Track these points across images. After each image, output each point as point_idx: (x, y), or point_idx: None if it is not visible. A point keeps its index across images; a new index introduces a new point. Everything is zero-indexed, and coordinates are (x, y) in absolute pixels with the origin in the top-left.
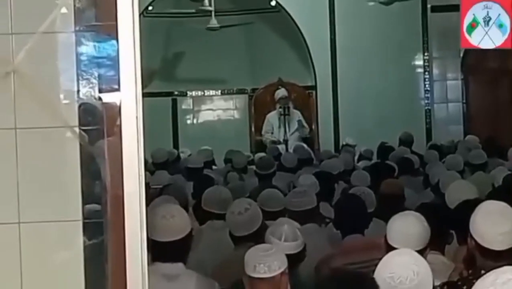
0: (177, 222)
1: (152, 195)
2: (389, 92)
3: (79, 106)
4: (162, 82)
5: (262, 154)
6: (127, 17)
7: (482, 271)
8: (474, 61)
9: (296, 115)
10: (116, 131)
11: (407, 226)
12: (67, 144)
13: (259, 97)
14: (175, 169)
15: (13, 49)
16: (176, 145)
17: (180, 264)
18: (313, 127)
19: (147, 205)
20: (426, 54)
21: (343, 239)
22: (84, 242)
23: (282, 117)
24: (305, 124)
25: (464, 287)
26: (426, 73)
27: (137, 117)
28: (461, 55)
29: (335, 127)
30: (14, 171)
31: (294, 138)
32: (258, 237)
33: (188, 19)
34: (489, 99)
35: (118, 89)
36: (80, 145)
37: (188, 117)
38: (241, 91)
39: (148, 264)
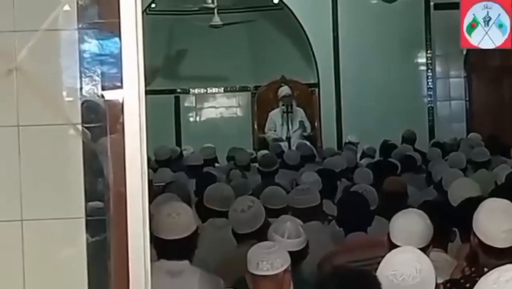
0: (183, 220)
1: (155, 192)
2: (392, 90)
3: (82, 104)
4: (165, 80)
5: (265, 151)
6: (130, 15)
7: (485, 269)
8: (477, 59)
9: (299, 112)
10: (119, 129)
11: (409, 224)
12: (70, 142)
13: (262, 94)
14: (178, 167)
15: (15, 46)
16: (179, 143)
17: (186, 262)
18: (316, 124)
19: (149, 202)
20: (429, 51)
21: (346, 237)
22: (87, 239)
23: (285, 114)
24: (307, 123)
25: (467, 285)
26: (429, 70)
27: (139, 115)
28: (464, 52)
29: (338, 125)
30: (17, 168)
31: (296, 136)
32: (261, 234)
33: (191, 17)
34: (492, 97)
35: (121, 87)
36: (83, 142)
37: (190, 114)
38: (243, 89)
39: (152, 261)
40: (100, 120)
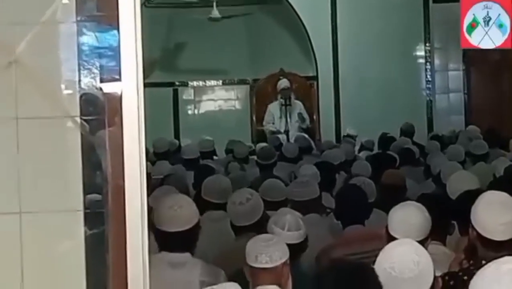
0: (185, 212)
1: (153, 185)
2: (391, 83)
3: (81, 96)
4: (164, 73)
5: (263, 144)
6: (129, 7)
7: (483, 262)
8: (476, 52)
9: (298, 105)
10: (117, 121)
11: (408, 217)
12: (68, 134)
13: (261, 87)
14: (176, 159)
15: (14, 39)
16: (177, 135)
17: (187, 254)
18: (314, 117)
19: (148, 195)
20: (427, 44)
21: (344, 230)
22: (85, 232)
23: (284, 107)
24: (306, 115)
25: (465, 278)
26: (428, 63)
27: (138, 107)
28: None
29: (337, 118)
30: (15, 161)
31: (295, 129)
32: (259, 227)
33: (190, 10)
34: (491, 90)
35: (119, 79)
36: (81, 135)
37: (189, 107)
38: (242, 82)
39: (152, 254)
40: (99, 113)
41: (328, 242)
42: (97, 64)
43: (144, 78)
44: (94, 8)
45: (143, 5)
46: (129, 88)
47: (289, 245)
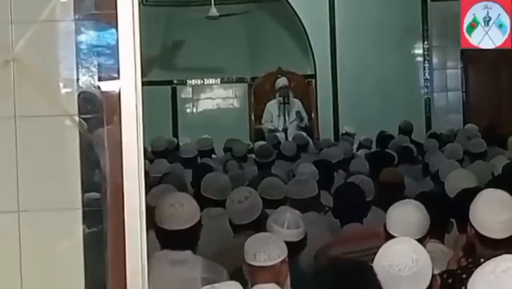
0: (186, 211)
1: (151, 183)
2: (389, 81)
3: (79, 95)
4: (162, 71)
5: (262, 142)
6: (127, 6)
7: (482, 260)
8: (474, 50)
9: (296, 104)
10: (115, 120)
11: (406, 215)
12: (67, 133)
13: (259, 86)
14: (175, 158)
15: (12, 37)
16: (175, 134)
17: (189, 252)
18: (313, 116)
19: (146, 193)
20: (426, 42)
21: (342, 228)
22: (84, 230)
23: (282, 105)
24: (304, 113)
25: (464, 276)
26: (426, 61)
27: (136, 106)
28: None
29: (335, 116)
30: (14, 159)
31: (293, 127)
32: (258, 225)
33: (188, 8)
34: (489, 88)
35: (117, 78)
36: (80, 133)
37: (187, 105)
38: (240, 80)
39: (153, 251)
40: (97, 111)
41: (327, 240)
42: (95, 62)
43: (142, 77)
44: (92, 7)
45: (141, 3)
46: (127, 87)
47: (288, 243)
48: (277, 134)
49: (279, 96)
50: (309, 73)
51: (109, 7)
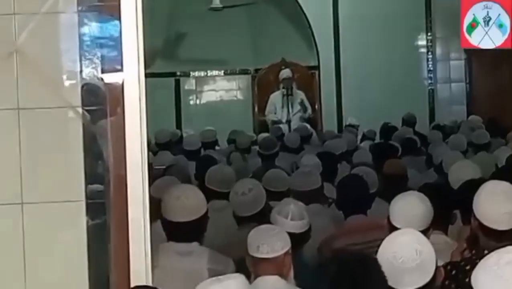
0: (193, 202)
1: (155, 175)
2: (392, 72)
3: (82, 87)
4: (165, 63)
5: (265, 134)
6: None
7: (485, 251)
8: None
9: (299, 95)
10: (119, 112)
11: (410, 206)
12: (70, 125)
13: (262, 77)
14: (178, 150)
15: (15, 29)
16: (179, 126)
17: (195, 243)
18: (316, 107)
19: (149, 185)
20: (429, 34)
21: (346, 220)
22: (87, 222)
23: (285, 97)
24: (308, 106)
25: (468, 267)
26: (429, 53)
27: (139, 98)
28: None
29: (338, 108)
30: (17, 151)
31: (297, 118)
32: (262, 217)
33: None
34: (492, 79)
35: (121, 70)
36: (83, 125)
37: (191, 97)
38: (244, 72)
39: (156, 244)
40: (100, 103)
41: (330, 232)
42: (99, 54)
43: (145, 68)
44: None
45: None
46: (131, 78)
47: (292, 235)
48: (281, 125)
49: (283, 87)
50: (312, 64)
51: None
